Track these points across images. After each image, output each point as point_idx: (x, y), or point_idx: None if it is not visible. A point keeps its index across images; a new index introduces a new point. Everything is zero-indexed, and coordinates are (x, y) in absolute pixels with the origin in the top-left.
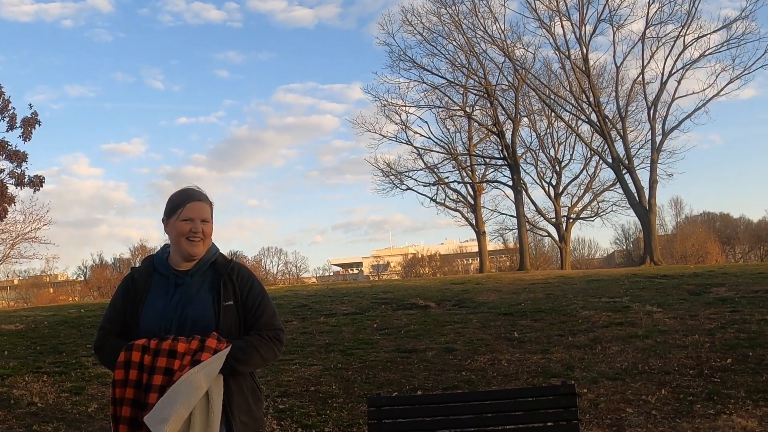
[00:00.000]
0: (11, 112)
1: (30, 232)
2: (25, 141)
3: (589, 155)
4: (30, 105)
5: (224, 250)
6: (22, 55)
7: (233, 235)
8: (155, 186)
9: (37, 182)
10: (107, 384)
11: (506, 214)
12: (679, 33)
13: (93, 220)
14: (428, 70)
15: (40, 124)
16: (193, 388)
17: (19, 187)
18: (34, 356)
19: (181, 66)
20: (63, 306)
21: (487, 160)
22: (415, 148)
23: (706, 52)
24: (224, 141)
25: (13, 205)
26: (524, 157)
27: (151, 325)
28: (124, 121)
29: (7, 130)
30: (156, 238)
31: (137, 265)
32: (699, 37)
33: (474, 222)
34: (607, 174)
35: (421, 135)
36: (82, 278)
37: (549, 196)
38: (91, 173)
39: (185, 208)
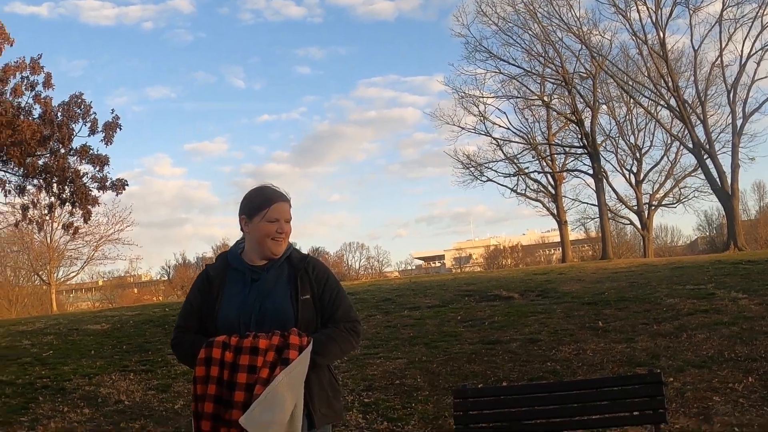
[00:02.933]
0: (92, 117)
1: (113, 234)
2: (107, 145)
3: (669, 141)
4: (112, 110)
5: (307, 245)
6: (103, 59)
7: (316, 230)
8: (238, 184)
9: (119, 186)
10: (190, 380)
11: (587, 203)
12: (757, 13)
13: (177, 219)
14: (504, 60)
15: (121, 128)
16: (290, 390)
17: (101, 191)
18: (121, 355)
19: (262, 63)
20: (147, 305)
21: (567, 149)
22: (494, 139)
23: None
24: (306, 137)
25: (96, 207)
26: (604, 144)
27: (230, 321)
28: (205, 120)
29: (89, 135)
30: (239, 236)
31: (211, 262)
32: None
33: (555, 212)
34: (688, 159)
35: (500, 126)
36: (166, 278)
37: (630, 183)
38: (173, 173)
39: (271, 209)
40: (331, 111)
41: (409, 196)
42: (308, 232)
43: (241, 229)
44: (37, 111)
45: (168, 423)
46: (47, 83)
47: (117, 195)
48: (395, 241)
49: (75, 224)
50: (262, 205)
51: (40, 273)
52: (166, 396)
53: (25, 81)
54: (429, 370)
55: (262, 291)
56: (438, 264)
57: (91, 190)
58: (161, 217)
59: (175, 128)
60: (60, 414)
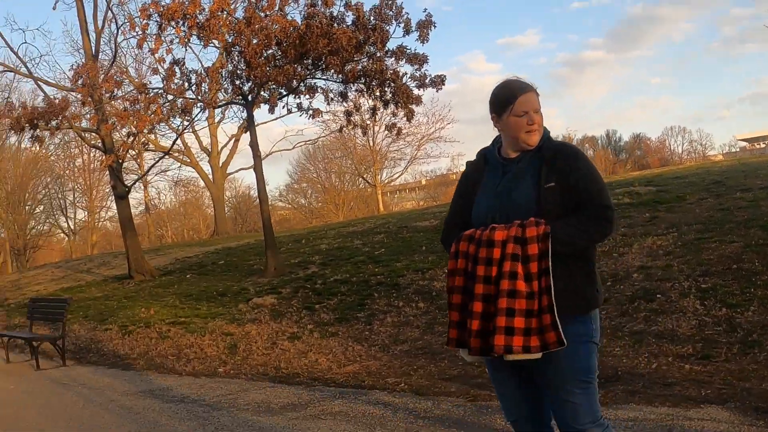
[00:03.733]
0: (405, 17)
1: (434, 132)
2: (423, 43)
3: None
4: (424, 9)
5: (627, 131)
6: None
7: (636, 115)
8: (554, 75)
9: (438, 82)
10: None
11: None
12: None
13: None
14: None
15: (435, 26)
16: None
17: (421, 89)
18: None
19: None
20: None
21: None
22: None
23: None
24: (619, 21)
25: (417, 106)
26: None
27: (480, 215)
28: (516, 13)
29: (404, 36)
30: (558, 126)
31: (472, 159)
32: None
33: None
34: None
35: None
36: None
37: None
38: (488, 69)
39: (517, 102)
40: None
41: (730, 75)
42: (629, 117)
43: (495, 127)
44: (349, 18)
45: None
46: None
47: (437, 91)
48: (717, 123)
49: (398, 124)
50: (507, 101)
51: (365, 176)
52: None
53: None
54: (766, 253)
55: (511, 182)
56: (763, 145)
57: (411, 89)
58: (480, 113)
59: (486, 24)
60: (395, 309)
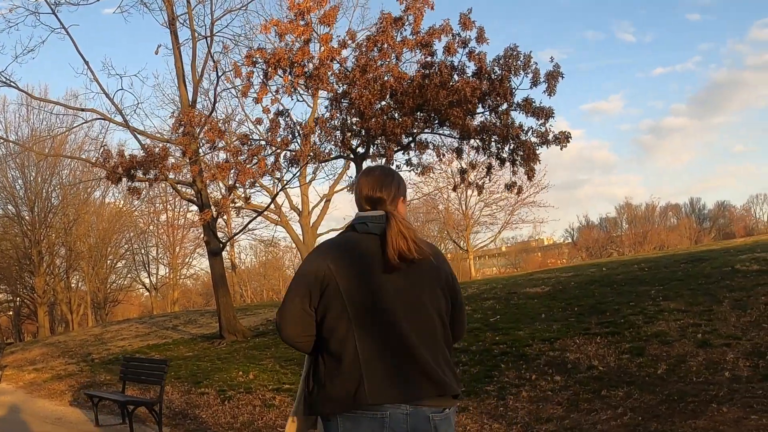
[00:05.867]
0: (534, 67)
1: (528, 197)
2: (550, 96)
3: None
4: (551, 58)
5: (711, 198)
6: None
7: (721, 183)
8: (637, 141)
9: (563, 139)
10: (668, 342)
11: None
12: None
13: (576, 181)
14: None
15: (563, 77)
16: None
17: (543, 146)
18: (575, 317)
19: (651, 15)
20: (580, 266)
21: None
22: None
23: None
24: (703, 87)
25: (537, 164)
26: None
27: None
28: (599, 79)
29: (531, 87)
30: (641, 193)
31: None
32: None
33: None
34: None
35: None
36: (570, 240)
37: None
38: (572, 135)
39: None
40: (727, 57)
41: None
42: (712, 185)
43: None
44: (470, 69)
45: (654, 390)
46: (480, 38)
47: (561, 149)
48: None
49: (518, 183)
50: None
51: (457, 240)
52: (644, 360)
53: (457, 38)
54: None
55: None
56: None
57: (535, 146)
58: (561, 179)
59: (569, 90)
60: (528, 382)
